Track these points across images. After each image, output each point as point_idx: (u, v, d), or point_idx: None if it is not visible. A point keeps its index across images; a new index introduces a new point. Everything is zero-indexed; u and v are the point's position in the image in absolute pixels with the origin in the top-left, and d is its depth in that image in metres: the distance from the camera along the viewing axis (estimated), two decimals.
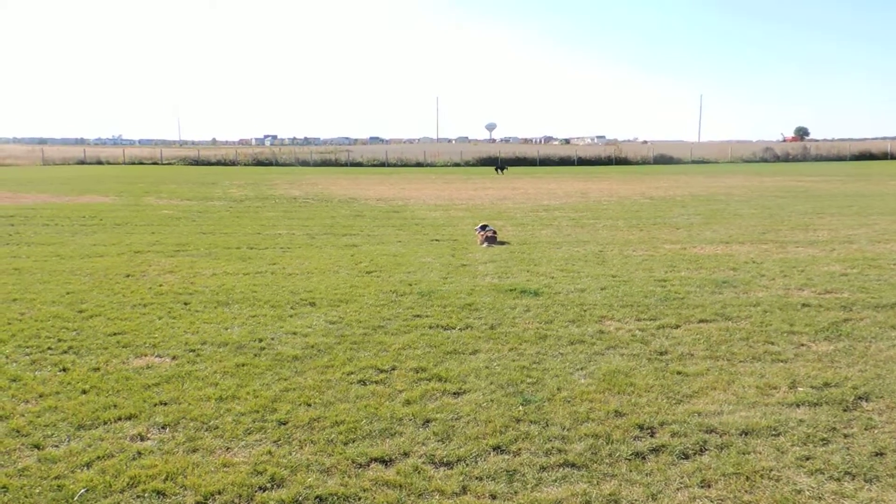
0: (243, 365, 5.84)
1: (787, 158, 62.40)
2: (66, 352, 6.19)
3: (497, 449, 4.34)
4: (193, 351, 6.23)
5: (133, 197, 23.98)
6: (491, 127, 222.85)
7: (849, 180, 31.64)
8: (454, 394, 5.23)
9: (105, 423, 4.72)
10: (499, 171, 27.47)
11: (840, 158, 61.88)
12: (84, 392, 5.24)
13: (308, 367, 5.80)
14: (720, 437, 4.47)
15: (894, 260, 10.41)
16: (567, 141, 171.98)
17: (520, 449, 4.34)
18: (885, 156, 62.62)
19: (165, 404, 5.03)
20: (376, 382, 5.46)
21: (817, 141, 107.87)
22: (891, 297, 7.99)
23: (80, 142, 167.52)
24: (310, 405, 5.01)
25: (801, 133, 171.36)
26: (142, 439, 4.50)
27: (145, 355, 6.13)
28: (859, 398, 5.05)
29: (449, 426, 4.65)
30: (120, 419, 4.77)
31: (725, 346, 6.28)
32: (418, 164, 59.56)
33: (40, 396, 5.16)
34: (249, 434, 4.56)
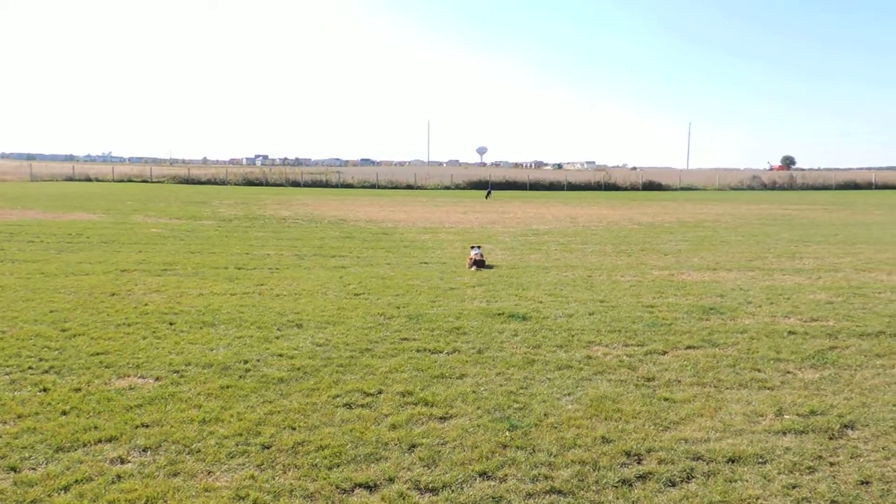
0: (228, 387, 5.78)
1: (773, 187, 63.09)
2: (47, 371, 6.11)
3: (483, 475, 4.30)
4: (177, 372, 6.16)
5: (121, 215, 23.85)
6: (482, 151, 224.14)
7: (834, 209, 32.00)
8: (441, 418, 5.19)
9: (85, 445, 4.64)
10: (487, 196, 27.93)
11: (825, 187, 62.66)
12: (64, 413, 5.16)
13: (293, 390, 5.74)
14: (707, 464, 4.46)
15: (879, 289, 10.50)
16: (559, 166, 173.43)
17: (506, 475, 4.30)
18: (868, 186, 63.49)
19: (147, 426, 4.95)
20: (362, 406, 5.41)
21: (803, 170, 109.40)
22: (875, 325, 8.05)
23: (69, 158, 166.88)
24: (294, 429, 4.95)
25: (788, 162, 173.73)
26: (122, 462, 4.42)
27: (128, 376, 6.05)
28: (845, 426, 5.06)
29: (435, 451, 4.61)
30: (100, 441, 4.70)
31: (712, 373, 6.28)
32: (409, 187, 59.71)
33: (18, 417, 5.08)
34: (232, 458, 4.49)
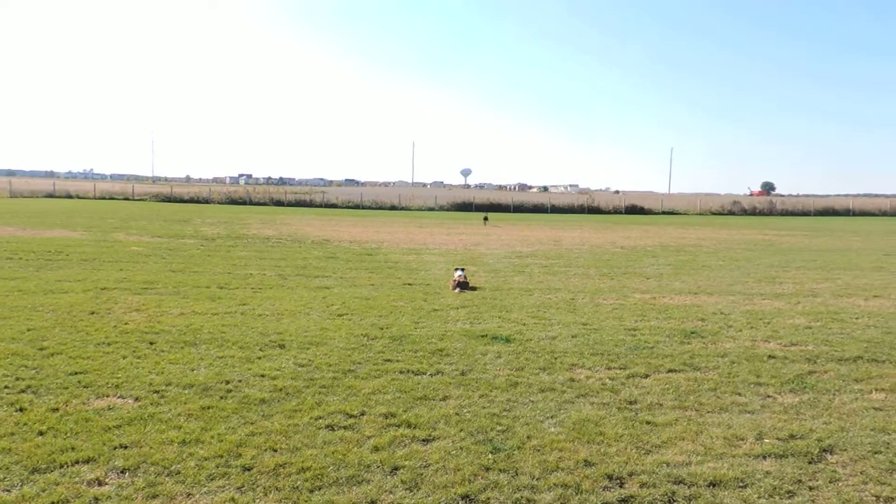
0: (209, 407, 5.73)
1: (754, 212, 63.97)
2: (23, 391, 6.01)
3: (465, 498, 4.29)
4: (157, 392, 6.09)
5: (102, 232, 23.64)
6: (466, 172, 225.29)
7: (813, 235, 32.48)
8: (423, 440, 5.18)
9: (62, 466, 4.56)
10: (485, 220, 28.35)
11: (805, 213, 63.67)
12: (41, 433, 5.08)
13: (275, 411, 5.70)
14: (688, 488, 4.48)
15: (856, 314, 10.66)
16: (545, 188, 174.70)
17: (488, 498, 4.29)
18: (847, 212, 64.64)
19: (126, 447, 4.89)
20: (345, 428, 5.39)
21: (783, 196, 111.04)
22: (853, 350, 8.16)
23: (50, 174, 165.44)
24: (276, 450, 4.91)
25: (768, 188, 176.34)
26: (100, 484, 4.36)
27: (107, 396, 5.98)
28: (824, 450, 5.11)
29: (417, 474, 4.59)
30: (77, 462, 4.63)
31: (694, 397, 6.32)
32: (393, 208, 59.82)
33: None
34: (212, 480, 4.44)
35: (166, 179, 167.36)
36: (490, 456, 4.89)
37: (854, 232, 35.90)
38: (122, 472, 4.52)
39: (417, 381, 6.61)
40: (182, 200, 61.25)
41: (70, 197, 61.92)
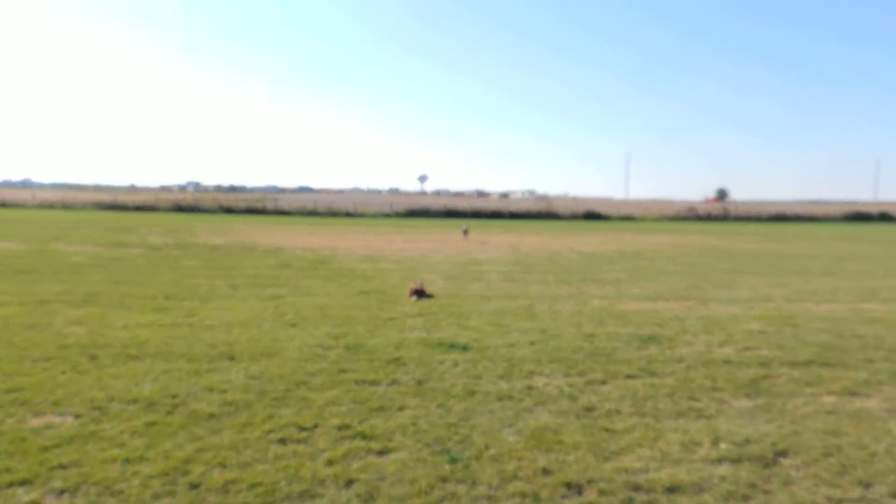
0: (154, 423, 5.58)
1: (708, 217, 65.55)
2: None
3: None
4: (99, 409, 5.91)
5: (40, 243, 22.90)
6: (423, 179, 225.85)
7: (766, 241, 33.45)
8: (379, 452, 5.14)
9: None
10: (466, 233, 28.42)
11: (758, 219, 65.47)
12: None
13: (225, 426, 5.59)
14: (646, 494, 4.54)
15: (808, 318, 11.00)
16: (505, 195, 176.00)
17: None
18: (797, 218, 66.72)
19: (65, 467, 4.73)
20: (297, 441, 5.31)
21: (736, 202, 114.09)
22: (805, 354, 8.41)
23: None
24: (225, 466, 4.82)
25: (721, 194, 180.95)
26: None
27: (45, 414, 5.78)
28: (778, 454, 5.25)
29: (373, 487, 4.55)
30: (12, 485, 4.45)
31: (651, 403, 6.43)
32: (348, 215, 59.46)
33: None
34: (157, 499, 4.33)
35: (110, 188, 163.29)
36: (447, 466, 4.88)
37: (804, 237, 37.12)
38: (60, 493, 4.37)
39: (373, 392, 6.56)
40: (126, 209, 59.75)
41: (5, 206, 59.83)
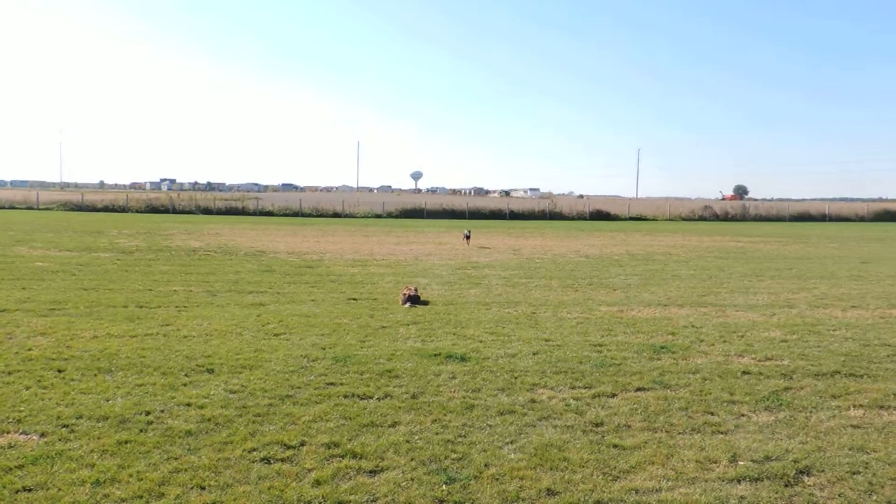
0: (126, 442, 5.60)
1: (726, 217, 65.74)
2: None
3: None
4: (67, 426, 5.92)
5: (0, 246, 22.87)
6: (416, 176, 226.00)
7: (788, 242, 33.56)
8: (370, 472, 5.16)
9: None
10: (467, 238, 28.50)
11: (779, 219, 65.70)
12: None
13: (203, 444, 5.60)
14: None
15: (834, 326, 11.05)
16: (507, 193, 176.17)
17: None
18: (823, 217, 66.99)
19: (30, 490, 4.74)
20: (282, 460, 5.33)
21: (756, 200, 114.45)
22: (831, 364, 8.45)
23: None
24: (203, 488, 4.83)
25: (741, 192, 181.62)
26: None
27: (7, 432, 5.79)
28: (801, 472, 5.28)
29: None
30: None
31: (664, 417, 6.46)
32: (336, 215, 59.48)
33: None
34: None
35: (77, 186, 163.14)
36: (444, 487, 4.90)
37: (830, 238, 37.24)
38: None
39: (363, 407, 6.58)
40: (95, 209, 59.68)
41: None
